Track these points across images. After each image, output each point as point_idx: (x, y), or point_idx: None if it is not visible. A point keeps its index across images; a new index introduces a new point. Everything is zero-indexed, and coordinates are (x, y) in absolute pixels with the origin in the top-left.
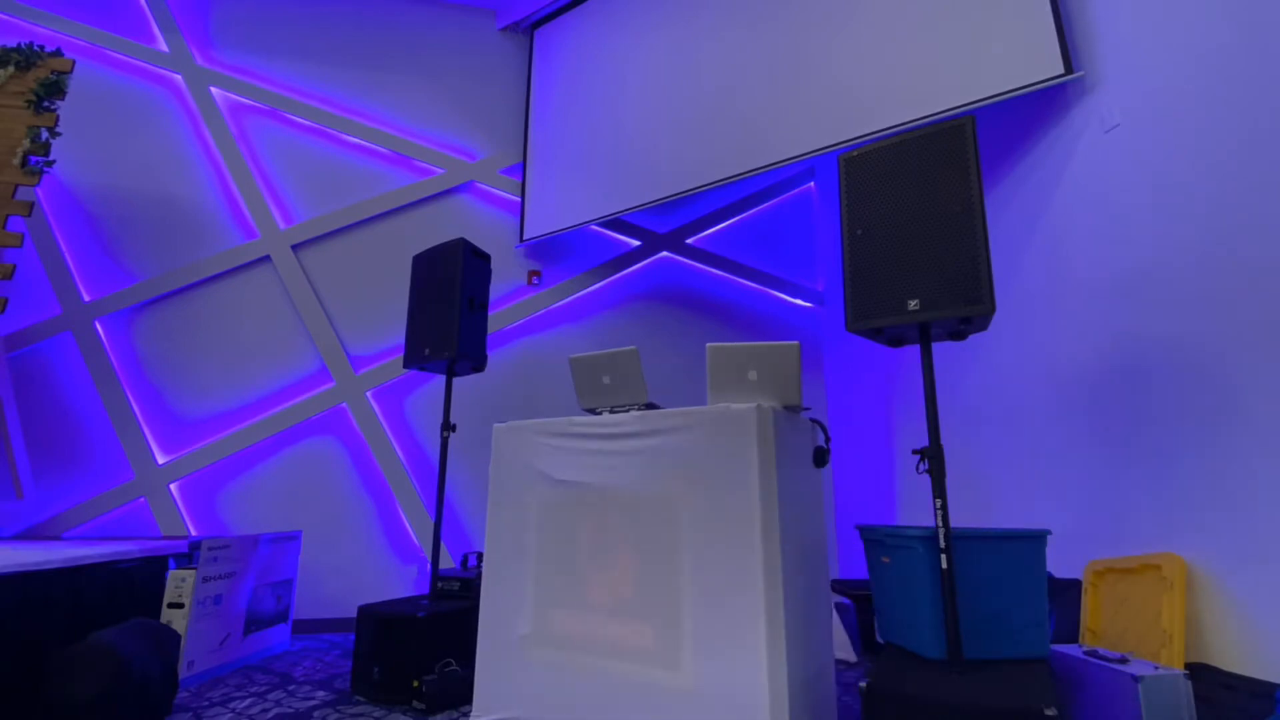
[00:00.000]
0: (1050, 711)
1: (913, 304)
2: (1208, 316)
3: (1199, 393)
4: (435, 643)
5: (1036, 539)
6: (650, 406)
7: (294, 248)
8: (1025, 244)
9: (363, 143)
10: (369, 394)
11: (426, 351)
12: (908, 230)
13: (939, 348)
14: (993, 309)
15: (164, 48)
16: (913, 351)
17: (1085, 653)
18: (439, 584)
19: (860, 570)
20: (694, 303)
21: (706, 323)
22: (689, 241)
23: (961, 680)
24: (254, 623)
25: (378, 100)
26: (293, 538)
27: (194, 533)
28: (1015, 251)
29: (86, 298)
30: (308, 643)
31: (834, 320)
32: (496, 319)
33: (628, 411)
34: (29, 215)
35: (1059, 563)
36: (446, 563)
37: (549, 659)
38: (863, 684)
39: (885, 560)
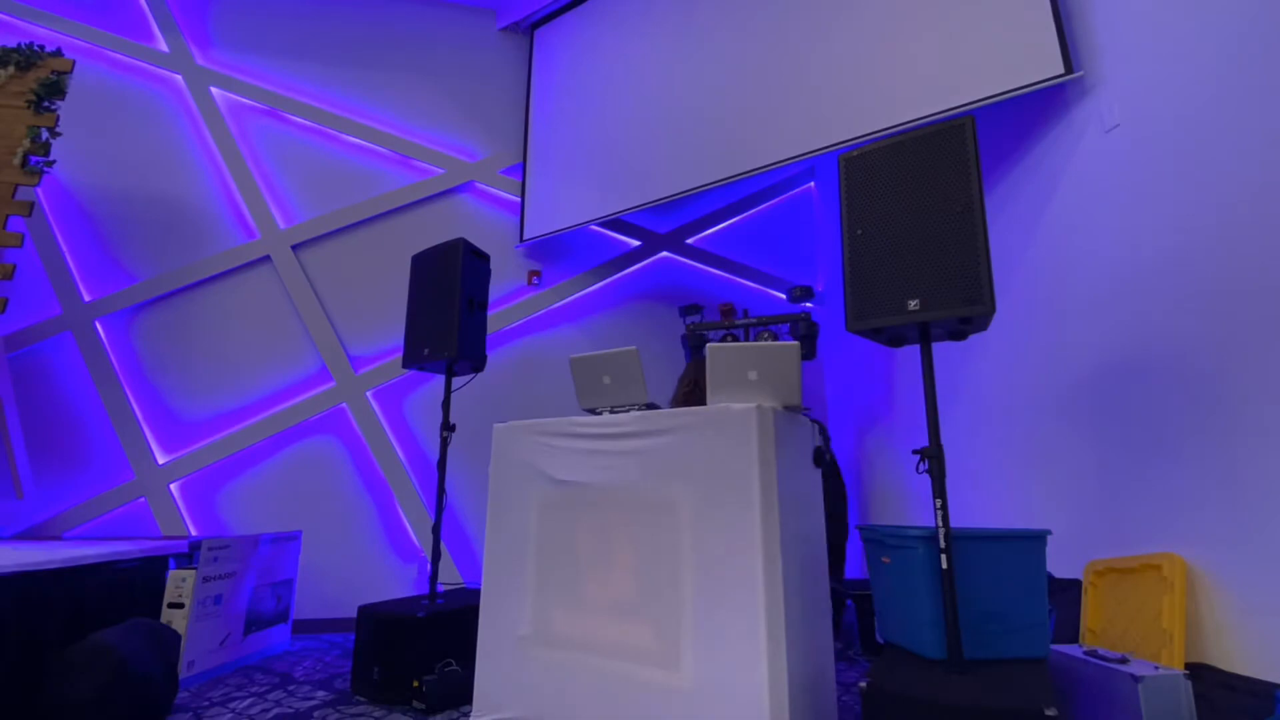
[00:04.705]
0: (1050, 711)
1: (913, 304)
2: (1208, 316)
3: (1199, 392)
4: (435, 643)
5: (1036, 539)
6: (650, 406)
7: (294, 248)
8: (1025, 244)
9: (363, 143)
10: (369, 394)
11: (426, 351)
12: (908, 230)
13: (939, 347)
14: (993, 309)
15: (164, 48)
16: (913, 351)
17: (1085, 653)
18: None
19: (860, 570)
20: (694, 303)
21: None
22: (689, 241)
23: (961, 680)
24: (254, 623)
25: (378, 100)
26: (293, 538)
27: (194, 533)
28: (1015, 251)
29: (86, 298)
30: (308, 643)
31: (833, 320)
32: (496, 319)
33: (628, 411)
34: (29, 215)
35: (1059, 563)
36: (447, 562)
37: (549, 659)
38: (863, 684)
39: (885, 560)
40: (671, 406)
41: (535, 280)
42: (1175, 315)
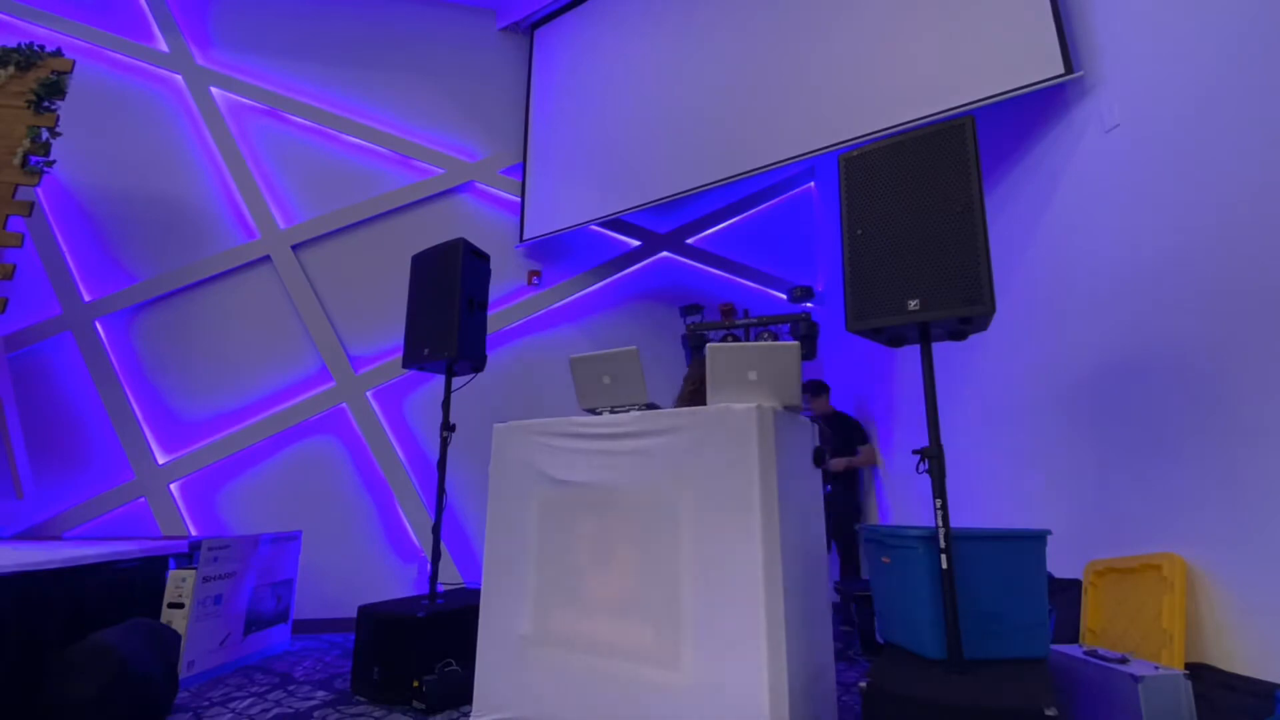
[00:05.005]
0: (1050, 711)
1: (913, 304)
2: (1208, 316)
3: (1199, 392)
4: (435, 643)
5: (1036, 539)
6: (650, 406)
7: (294, 248)
8: (1025, 244)
9: (363, 143)
10: (369, 394)
11: (426, 351)
12: (908, 230)
13: (939, 347)
14: (993, 309)
15: (164, 48)
16: (913, 351)
17: (1085, 653)
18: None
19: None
20: (694, 303)
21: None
22: (689, 241)
23: (961, 680)
24: (254, 623)
25: (378, 100)
26: (293, 538)
27: (194, 533)
28: (1015, 251)
29: (86, 298)
30: (308, 643)
31: (833, 320)
32: (496, 319)
33: (628, 411)
34: (29, 215)
35: (1059, 563)
36: (447, 562)
37: (549, 659)
38: (863, 684)
39: (885, 560)
40: (677, 405)
41: (535, 280)
42: (1175, 315)
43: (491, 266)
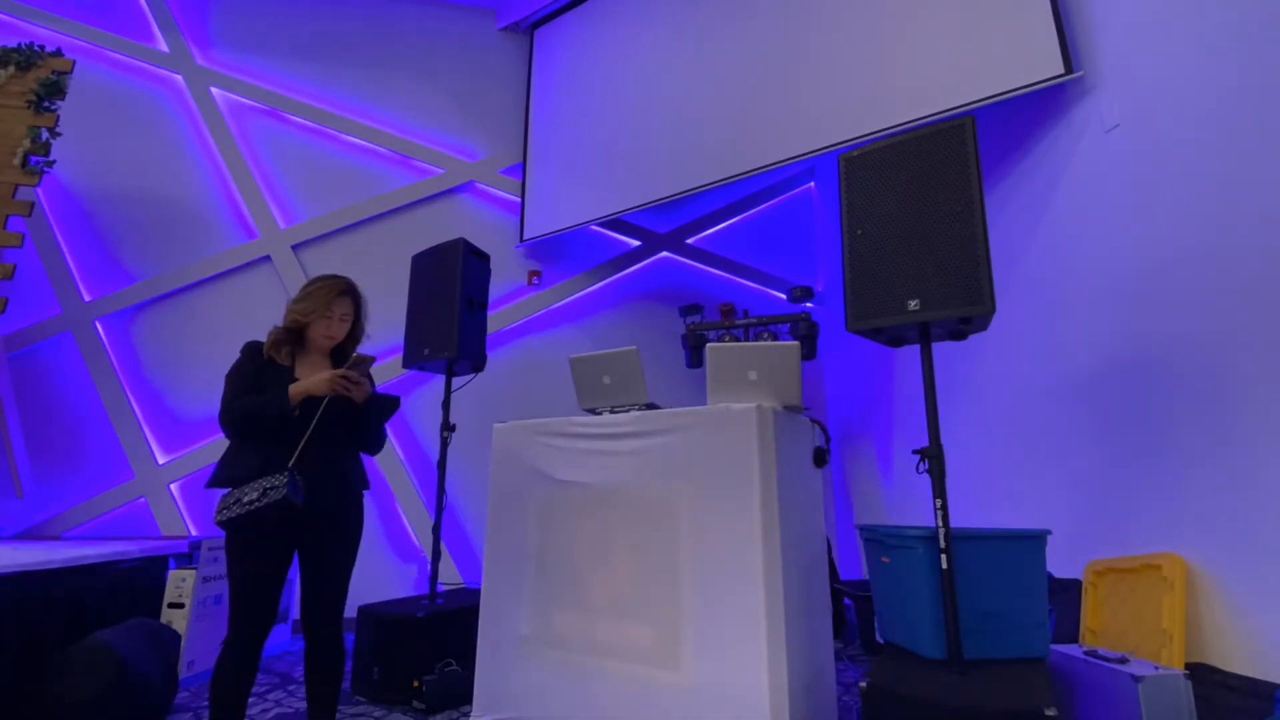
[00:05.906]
0: (1050, 711)
1: (913, 304)
2: (1207, 317)
3: (1200, 392)
4: (435, 643)
5: (1036, 539)
6: (650, 406)
7: (294, 248)
8: (1025, 244)
9: (363, 143)
10: None
11: (426, 351)
12: (908, 230)
13: (939, 347)
14: (993, 309)
15: (164, 48)
16: (913, 351)
17: (1085, 653)
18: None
19: (860, 570)
20: (694, 303)
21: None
22: (689, 241)
23: (961, 680)
24: None
25: (378, 100)
26: None
27: (194, 533)
28: (1015, 251)
29: (86, 298)
30: None
31: (833, 320)
32: (496, 319)
33: (628, 411)
34: (29, 215)
35: (1059, 563)
36: (447, 562)
37: (549, 659)
38: (863, 684)
39: (885, 560)
40: None
41: (535, 280)
42: (1175, 315)
43: (491, 266)
